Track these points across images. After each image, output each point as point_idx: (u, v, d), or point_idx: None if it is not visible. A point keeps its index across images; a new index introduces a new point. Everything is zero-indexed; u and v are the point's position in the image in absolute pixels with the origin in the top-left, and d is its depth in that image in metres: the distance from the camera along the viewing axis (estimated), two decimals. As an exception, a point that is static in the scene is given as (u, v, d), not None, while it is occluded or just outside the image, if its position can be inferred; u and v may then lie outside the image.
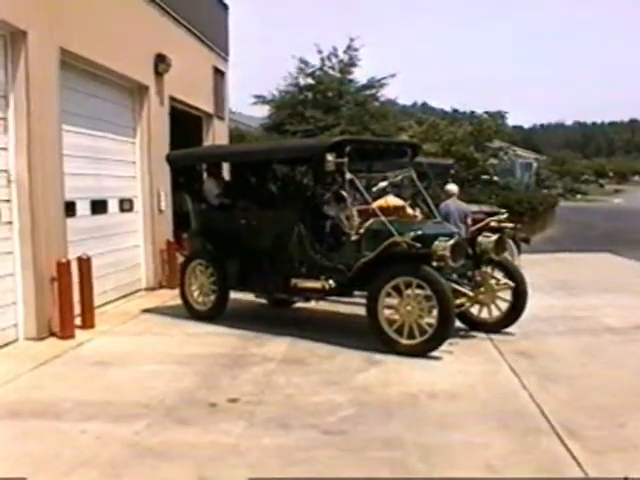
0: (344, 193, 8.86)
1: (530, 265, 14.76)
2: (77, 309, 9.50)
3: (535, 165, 50.97)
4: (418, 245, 8.10)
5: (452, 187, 12.29)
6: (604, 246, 20.79)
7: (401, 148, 10.11)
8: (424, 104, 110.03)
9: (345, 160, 8.56)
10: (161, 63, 13.06)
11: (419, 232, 8.26)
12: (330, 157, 8.44)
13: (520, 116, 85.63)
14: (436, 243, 8.07)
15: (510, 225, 13.66)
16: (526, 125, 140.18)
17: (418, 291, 8.01)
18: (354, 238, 8.69)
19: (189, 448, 5.34)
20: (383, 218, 8.58)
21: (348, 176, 8.67)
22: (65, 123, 9.83)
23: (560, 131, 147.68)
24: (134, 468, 5.02)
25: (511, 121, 53.54)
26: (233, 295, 10.36)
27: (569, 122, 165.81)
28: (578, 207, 48.23)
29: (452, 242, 8.10)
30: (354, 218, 8.75)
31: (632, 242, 23.11)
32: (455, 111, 49.16)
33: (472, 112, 38.16)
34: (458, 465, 5.03)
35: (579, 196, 64.36)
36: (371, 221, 8.71)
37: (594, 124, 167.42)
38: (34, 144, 8.82)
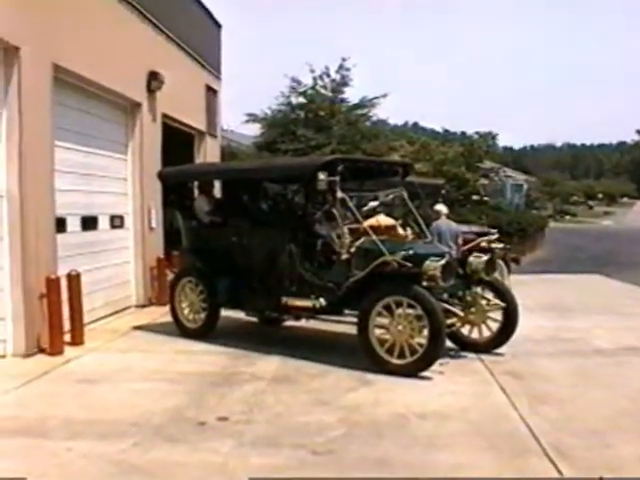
0: (335, 212, 8.86)
1: (519, 286, 14.74)
2: (66, 326, 9.45)
3: (525, 186, 51.21)
4: (409, 264, 8.11)
5: (441, 207, 12.32)
6: (593, 268, 20.87)
7: (393, 167, 10.15)
8: (415, 124, 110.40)
9: (337, 179, 8.58)
10: (154, 80, 13.09)
11: (410, 251, 8.27)
12: (322, 176, 8.45)
13: (510, 138, 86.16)
14: (427, 263, 8.07)
15: (500, 245, 13.72)
16: (516, 146, 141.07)
17: (409, 311, 7.99)
18: (345, 257, 8.68)
19: (177, 467, 5.30)
20: (374, 237, 8.59)
21: (340, 195, 8.68)
22: (57, 139, 9.83)
23: (550, 152, 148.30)
24: (121, 487, 4.98)
25: (501, 142, 53.83)
26: (224, 313, 10.32)
27: (559, 144, 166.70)
28: (567, 229, 48.41)
29: (443, 262, 8.10)
30: (345, 237, 8.74)
31: (621, 264, 23.24)
32: (446, 131, 49.42)
33: (463, 133, 38.37)
34: None
35: (568, 217, 64.65)
36: (362, 240, 8.71)
37: (583, 146, 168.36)
38: (26, 160, 8.80)
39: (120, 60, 11.65)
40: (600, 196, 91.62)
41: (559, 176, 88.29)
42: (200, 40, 16.47)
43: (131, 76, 12.33)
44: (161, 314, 11.69)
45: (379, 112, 30.49)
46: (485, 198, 30.81)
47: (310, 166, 9.16)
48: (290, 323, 10.46)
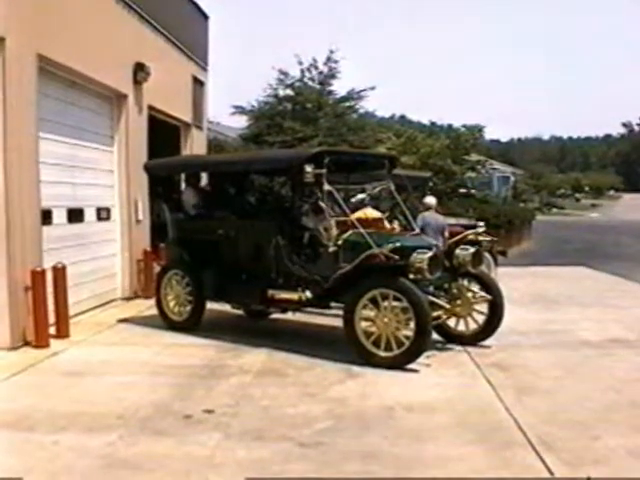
0: (322, 204, 8.84)
1: (506, 278, 14.78)
2: (52, 318, 9.40)
3: (512, 179, 51.35)
4: (396, 257, 8.11)
5: (430, 200, 12.32)
6: (580, 260, 20.94)
7: (379, 160, 10.10)
8: (402, 117, 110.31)
9: (324, 171, 8.55)
10: (140, 72, 13.00)
11: (397, 244, 8.27)
12: (309, 168, 8.41)
13: (498, 130, 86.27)
14: (414, 255, 8.06)
15: (487, 238, 13.74)
16: (503, 139, 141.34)
17: (395, 303, 7.99)
18: (332, 249, 8.66)
19: (163, 460, 5.29)
20: (362, 230, 8.58)
21: (327, 187, 8.65)
22: (42, 131, 9.75)
23: (537, 145, 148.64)
24: (107, 480, 4.96)
25: (489, 135, 53.97)
26: (210, 305, 10.30)
27: (546, 137, 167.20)
28: (555, 221, 48.57)
29: (430, 254, 8.10)
30: (332, 229, 8.72)
31: (607, 256, 23.35)
32: (433, 124, 49.45)
33: (449, 125, 38.37)
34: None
35: (555, 210, 64.83)
36: (349, 233, 8.70)
37: (570, 138, 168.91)
38: (10, 152, 8.74)
39: (106, 51, 11.57)
40: (587, 189, 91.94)
41: (546, 169, 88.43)
42: (187, 31, 16.36)
43: (117, 67, 12.24)
44: (147, 307, 11.66)
45: (366, 104, 30.43)
46: (472, 191, 30.85)
47: (297, 158, 9.12)
48: (277, 316, 10.45)
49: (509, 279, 14.80)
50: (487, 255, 13.53)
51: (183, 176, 11.08)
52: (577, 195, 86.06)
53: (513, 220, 27.09)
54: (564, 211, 66.20)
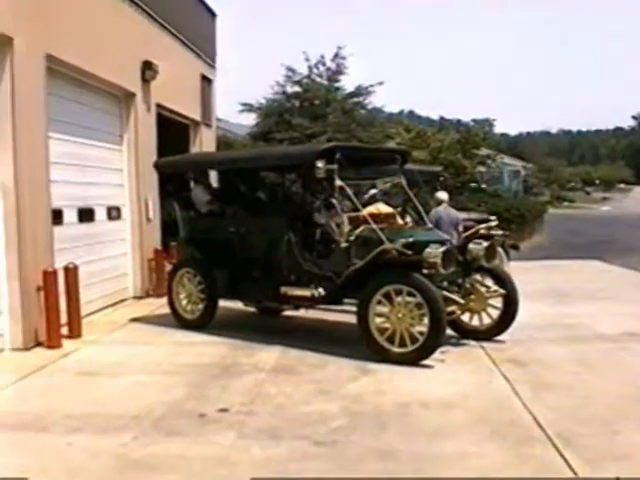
0: (334, 200, 8.77)
1: (519, 272, 14.63)
2: (64, 318, 9.38)
3: (523, 173, 51.15)
4: (409, 252, 8.04)
5: (442, 194, 12.20)
6: (593, 253, 20.79)
7: (391, 155, 10.01)
8: (411, 112, 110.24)
9: (335, 167, 8.46)
10: (148, 70, 12.98)
11: (410, 239, 8.19)
12: (320, 164, 8.34)
13: (506, 124, 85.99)
14: (427, 250, 7.98)
15: (500, 232, 13.63)
16: (512, 133, 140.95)
17: (409, 299, 7.91)
18: (344, 245, 8.59)
19: (178, 460, 5.23)
20: (374, 225, 8.50)
21: (338, 183, 8.57)
22: (52, 131, 9.73)
23: (545, 139, 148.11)
24: (122, 481, 4.92)
25: (497, 129, 53.81)
26: (223, 303, 10.25)
27: (554, 130, 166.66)
28: (566, 215, 48.37)
29: (443, 249, 8.02)
30: (344, 225, 8.66)
31: (620, 249, 23.20)
32: (442, 119, 49.32)
33: (459, 120, 38.25)
34: (453, 475, 4.94)
35: (566, 203, 64.58)
36: (361, 228, 8.62)
37: (579, 132, 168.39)
38: (20, 152, 8.71)
39: (114, 50, 11.55)
40: (597, 182, 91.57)
41: (555, 162, 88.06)
42: (195, 29, 16.34)
43: (125, 66, 12.22)
44: (158, 306, 11.62)
45: (374, 100, 30.38)
46: (483, 185, 30.71)
47: (308, 154, 9.03)
48: (290, 313, 10.41)
49: (522, 273, 14.66)
50: (499, 249, 13.45)
51: (193, 174, 11.00)
52: (587, 188, 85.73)
53: (524, 214, 26.96)
54: (575, 204, 65.99)
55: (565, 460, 5.14)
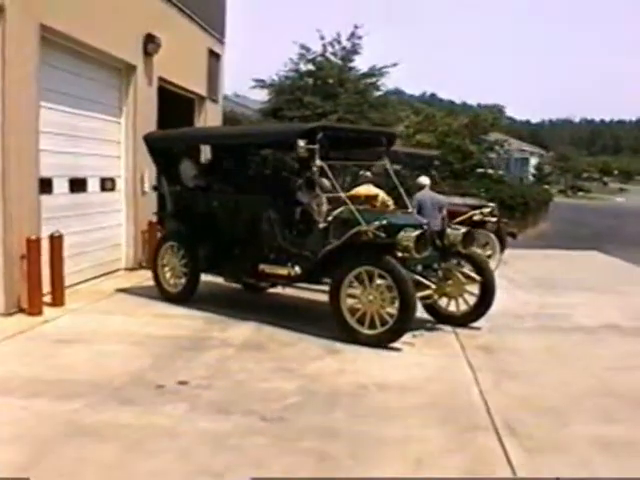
0: (314, 180, 8.81)
1: (515, 260, 14.72)
2: (49, 287, 9.51)
3: (535, 160, 50.76)
4: (382, 235, 8.08)
5: (424, 179, 12.16)
6: (595, 244, 20.65)
7: (377, 137, 10.01)
8: (433, 95, 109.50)
9: (316, 147, 8.49)
10: (150, 43, 12.98)
11: (384, 222, 8.23)
12: (302, 143, 8.37)
13: (528, 111, 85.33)
14: (401, 234, 8.02)
15: (493, 219, 13.62)
16: (534, 120, 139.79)
17: (380, 281, 7.96)
18: (322, 226, 8.65)
19: (122, 429, 5.33)
20: (351, 206, 8.54)
21: (318, 163, 8.59)
22: (46, 100, 9.77)
23: (568, 128, 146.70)
24: (61, 446, 5.03)
25: (518, 116, 53.40)
26: (210, 279, 10.33)
27: (577, 119, 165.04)
28: (577, 204, 48.01)
29: (417, 233, 8.05)
30: (323, 206, 8.70)
31: (623, 241, 23.05)
32: (464, 103, 49.01)
33: (479, 104, 37.98)
34: (387, 459, 4.99)
35: (581, 193, 64.08)
36: (340, 209, 8.67)
37: (602, 122, 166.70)
38: (8, 122, 8.75)
39: (114, 22, 11.54)
40: (616, 172, 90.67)
41: (575, 151, 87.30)
42: (202, 3, 16.28)
43: (126, 38, 12.22)
44: (148, 277, 11.65)
45: (395, 82, 30.21)
46: (489, 171, 30.52)
47: (290, 133, 9.07)
48: (274, 290, 10.49)
49: (517, 261, 14.73)
50: (492, 236, 13.46)
51: (182, 148, 11.04)
52: (605, 179, 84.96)
53: (529, 202, 26.74)
54: (590, 194, 65.43)
55: (504, 449, 5.19)
